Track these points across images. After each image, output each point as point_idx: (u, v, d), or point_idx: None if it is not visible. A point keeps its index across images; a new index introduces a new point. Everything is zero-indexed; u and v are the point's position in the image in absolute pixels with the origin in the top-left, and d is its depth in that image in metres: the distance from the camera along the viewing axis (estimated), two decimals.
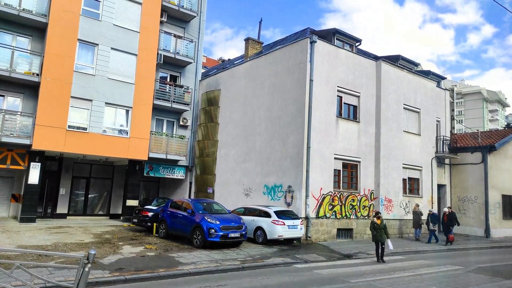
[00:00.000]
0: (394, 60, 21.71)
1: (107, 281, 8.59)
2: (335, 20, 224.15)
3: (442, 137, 23.15)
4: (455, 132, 41.64)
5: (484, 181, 22.29)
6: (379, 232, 12.90)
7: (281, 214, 14.86)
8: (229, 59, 33.96)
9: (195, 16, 23.23)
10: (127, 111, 19.60)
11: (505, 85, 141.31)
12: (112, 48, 19.20)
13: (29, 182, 17.45)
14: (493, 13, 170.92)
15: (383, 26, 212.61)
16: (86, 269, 4.51)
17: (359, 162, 18.57)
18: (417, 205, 19.50)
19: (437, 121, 23.44)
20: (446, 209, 18.92)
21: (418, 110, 21.57)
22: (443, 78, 27.35)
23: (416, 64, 24.02)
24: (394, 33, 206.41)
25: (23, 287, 5.16)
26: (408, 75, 21.26)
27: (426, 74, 24.24)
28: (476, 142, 23.72)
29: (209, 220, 13.29)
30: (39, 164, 17.73)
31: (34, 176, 17.56)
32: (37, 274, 5.87)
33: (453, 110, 78.29)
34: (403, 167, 20.28)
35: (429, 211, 18.90)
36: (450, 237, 17.86)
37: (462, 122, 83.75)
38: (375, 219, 13.16)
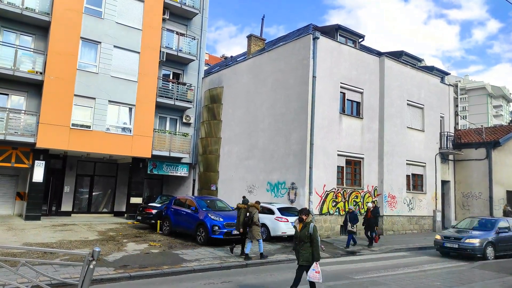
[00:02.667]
0: (398, 56, 21.59)
1: (112, 278, 8.63)
2: (339, 17, 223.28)
3: (446, 133, 23.03)
4: (459, 128, 41.39)
5: (488, 177, 22.16)
6: (299, 245, 7.29)
7: (284, 211, 14.86)
8: (231, 56, 33.87)
9: (197, 13, 23.19)
10: (130, 109, 19.63)
11: (511, 80, 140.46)
12: (115, 46, 19.22)
13: (33, 180, 17.55)
14: (499, 8, 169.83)
15: (387, 22, 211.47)
16: (91, 266, 4.53)
17: (362, 158, 18.52)
18: (506, 205, 20.56)
19: (441, 117, 23.31)
20: (370, 204, 15.82)
21: (422, 106, 21.45)
22: (447, 74, 27.18)
23: (420, 60, 23.87)
24: (398, 29, 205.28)
25: (28, 284, 5.20)
26: (411, 71, 21.14)
27: (430, 69, 24.09)
28: (480, 138, 23.57)
29: (212, 217, 13.32)
30: (44, 162, 17.82)
31: (38, 174, 17.66)
32: (43, 271, 5.90)
33: (457, 105, 78.00)
34: (407, 164, 20.21)
35: (349, 209, 15.22)
36: (376, 238, 14.91)
37: (466, 118, 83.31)
38: (296, 222, 7.58)
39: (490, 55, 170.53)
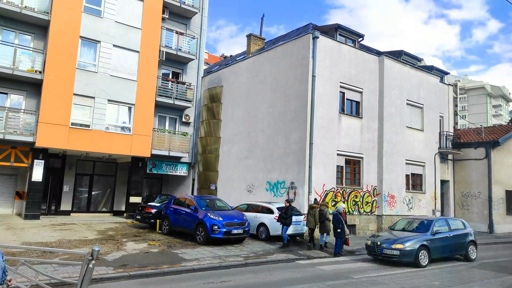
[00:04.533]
0: (397, 55, 21.58)
1: (111, 277, 8.63)
2: (340, 16, 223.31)
3: (445, 133, 23.04)
4: (459, 128, 41.42)
5: (487, 177, 22.20)
6: None
7: None
8: (231, 56, 33.86)
9: (196, 13, 23.16)
10: (130, 108, 19.61)
11: (511, 80, 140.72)
12: (114, 45, 19.18)
13: (33, 179, 17.53)
14: (499, 9, 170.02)
15: (388, 22, 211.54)
16: (90, 265, 4.52)
17: (361, 158, 18.52)
18: None
19: (440, 116, 23.32)
20: (342, 205, 14.34)
21: (421, 105, 21.45)
22: (447, 73, 27.19)
23: (419, 59, 23.88)
24: (399, 29, 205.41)
25: (28, 283, 5.20)
26: (411, 70, 21.14)
27: (429, 69, 24.09)
28: (479, 138, 23.59)
29: (212, 216, 13.31)
30: (43, 161, 17.79)
31: (37, 173, 17.63)
32: (42, 270, 5.90)
33: (456, 105, 78.06)
34: (406, 163, 20.20)
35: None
36: (348, 241, 13.71)
37: (465, 118, 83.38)
38: None
39: (490, 55, 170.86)
